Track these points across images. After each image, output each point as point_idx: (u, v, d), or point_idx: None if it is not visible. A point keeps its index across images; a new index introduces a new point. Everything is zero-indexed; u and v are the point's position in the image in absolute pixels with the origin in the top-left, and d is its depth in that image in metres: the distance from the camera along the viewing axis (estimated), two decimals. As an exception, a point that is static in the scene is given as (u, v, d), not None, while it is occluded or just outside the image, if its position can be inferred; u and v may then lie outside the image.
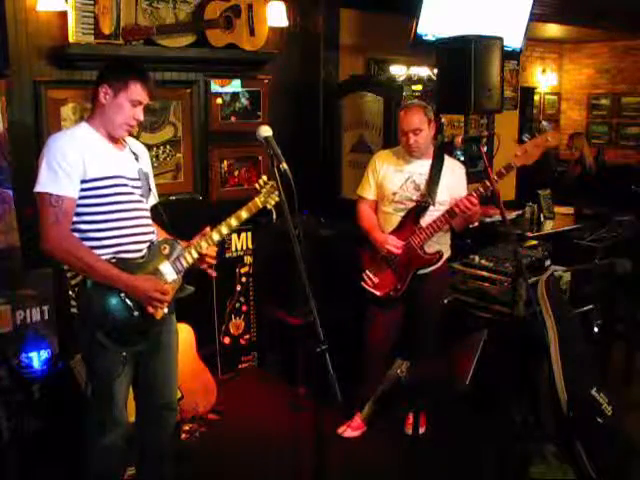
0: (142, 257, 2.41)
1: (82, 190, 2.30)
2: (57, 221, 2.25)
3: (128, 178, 2.41)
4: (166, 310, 2.45)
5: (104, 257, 2.31)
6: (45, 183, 2.25)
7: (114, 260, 2.33)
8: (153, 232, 2.51)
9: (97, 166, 2.31)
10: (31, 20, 3.45)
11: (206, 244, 2.52)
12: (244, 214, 2.59)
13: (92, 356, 2.40)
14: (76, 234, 2.31)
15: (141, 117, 2.41)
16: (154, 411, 2.59)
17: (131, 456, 2.72)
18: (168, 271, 2.44)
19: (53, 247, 2.26)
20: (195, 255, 2.49)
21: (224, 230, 2.56)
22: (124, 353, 2.36)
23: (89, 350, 2.40)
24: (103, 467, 2.45)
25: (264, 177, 2.63)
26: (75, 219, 2.31)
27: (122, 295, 2.31)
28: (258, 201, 2.60)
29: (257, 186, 2.62)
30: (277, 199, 2.54)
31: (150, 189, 2.55)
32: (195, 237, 2.56)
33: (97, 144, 2.36)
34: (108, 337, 2.31)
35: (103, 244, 2.33)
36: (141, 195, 2.47)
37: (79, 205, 2.31)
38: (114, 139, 2.43)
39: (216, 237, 2.53)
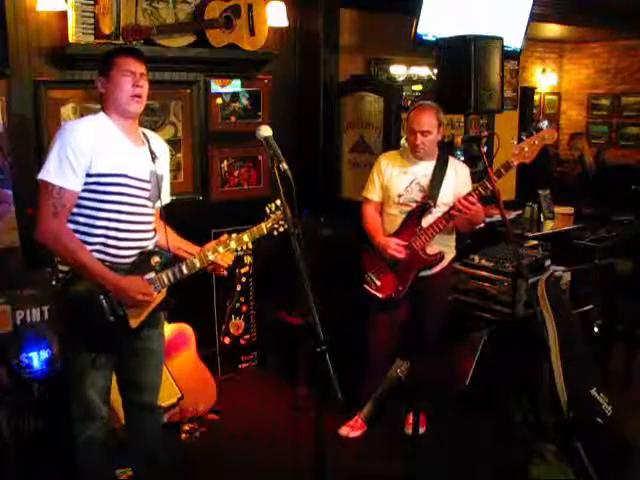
0: (132, 264, 2.38)
1: (87, 184, 2.28)
2: (55, 213, 2.25)
3: (136, 179, 2.37)
4: (144, 317, 2.41)
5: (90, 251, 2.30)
6: (50, 172, 2.24)
7: (102, 258, 2.31)
8: (151, 238, 2.46)
9: (105, 161, 2.28)
10: (31, 20, 3.45)
11: (200, 263, 2.46)
12: (246, 238, 2.53)
13: (64, 352, 2.45)
14: (71, 225, 2.30)
15: (143, 85, 2.36)
16: (136, 412, 2.62)
17: (126, 457, 2.77)
18: (152, 283, 2.38)
19: (46, 239, 2.27)
20: (185, 272, 2.43)
21: (221, 251, 2.49)
22: (93, 355, 2.35)
23: (62, 345, 2.47)
24: (87, 460, 2.48)
25: (277, 201, 2.50)
26: (75, 210, 2.30)
27: (100, 297, 2.29)
28: (264, 227, 2.53)
29: (267, 209, 2.53)
30: (285, 227, 2.45)
31: (160, 191, 2.49)
32: (208, 244, 2.53)
33: (112, 137, 2.34)
34: (79, 336, 2.32)
35: (93, 240, 2.31)
36: (147, 198, 2.42)
37: (81, 198, 2.30)
38: (132, 132, 2.40)
39: (211, 257, 2.48)
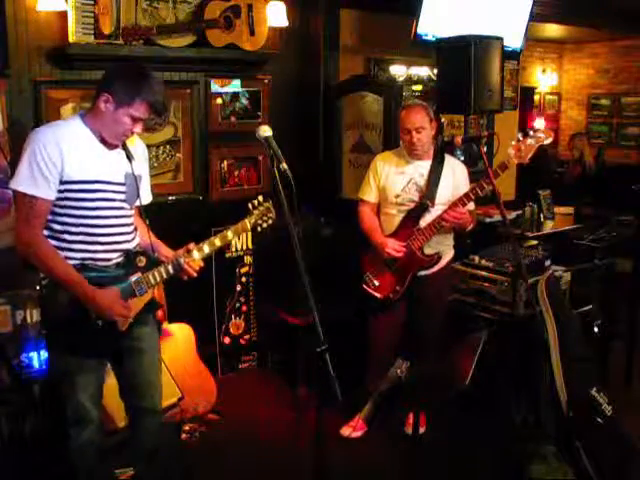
0: (117, 265, 2.35)
1: (59, 191, 2.24)
2: (27, 221, 2.21)
3: (110, 183, 2.32)
4: (131, 319, 2.38)
5: (71, 261, 2.26)
6: (21, 181, 2.20)
7: (86, 262, 2.28)
8: (131, 240, 2.43)
9: (77, 168, 2.23)
10: (31, 20, 3.45)
11: (184, 262, 2.42)
12: (230, 235, 2.51)
13: (53, 358, 2.43)
14: (47, 232, 2.27)
15: (139, 130, 2.33)
16: (137, 414, 2.58)
17: (127, 457, 2.77)
18: (139, 284, 2.36)
19: (21, 247, 2.25)
20: (171, 271, 2.41)
21: (206, 249, 2.47)
22: (82, 360, 2.33)
23: (50, 351, 2.43)
24: (83, 464, 2.47)
25: (260, 197, 2.52)
26: (49, 217, 2.27)
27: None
28: (248, 223, 2.50)
29: (250, 206, 2.51)
30: (270, 222, 2.48)
31: (138, 192, 2.41)
32: (177, 251, 2.48)
33: (84, 143, 2.28)
34: (68, 343, 2.29)
35: (72, 247, 2.28)
36: (123, 200, 2.38)
37: (54, 205, 2.25)
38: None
39: (197, 255, 2.44)
